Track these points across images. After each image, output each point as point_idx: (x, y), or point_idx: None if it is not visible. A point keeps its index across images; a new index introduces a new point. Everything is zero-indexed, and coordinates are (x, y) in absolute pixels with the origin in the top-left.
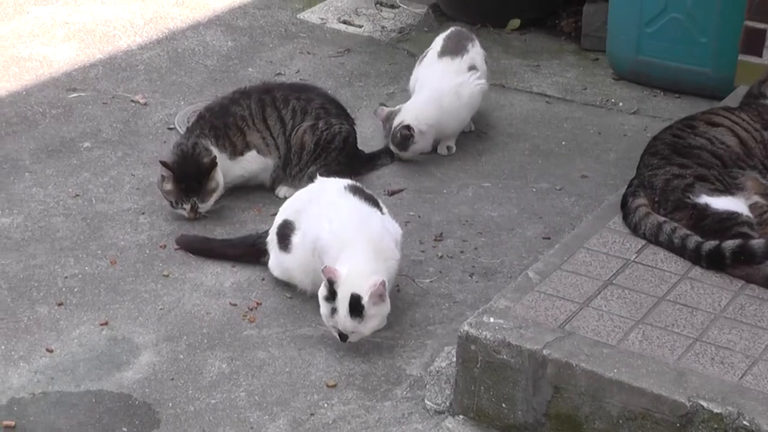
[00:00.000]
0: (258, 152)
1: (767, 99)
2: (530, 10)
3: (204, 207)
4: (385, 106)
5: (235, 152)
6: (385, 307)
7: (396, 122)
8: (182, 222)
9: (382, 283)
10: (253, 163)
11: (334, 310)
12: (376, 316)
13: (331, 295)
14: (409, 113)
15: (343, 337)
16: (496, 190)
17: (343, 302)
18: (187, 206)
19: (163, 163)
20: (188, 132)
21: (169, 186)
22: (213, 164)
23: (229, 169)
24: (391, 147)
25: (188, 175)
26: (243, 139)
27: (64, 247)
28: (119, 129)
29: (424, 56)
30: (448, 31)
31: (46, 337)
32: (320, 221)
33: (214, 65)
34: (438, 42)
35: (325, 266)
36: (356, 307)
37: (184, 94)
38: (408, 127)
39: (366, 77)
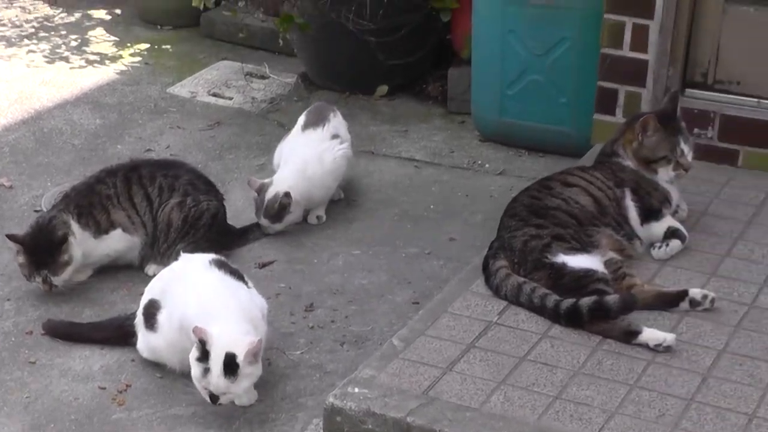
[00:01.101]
0: (124, 230)
1: (619, 157)
2: (398, 76)
3: (58, 281)
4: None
5: (100, 231)
6: (258, 368)
7: (270, 194)
8: (49, 306)
9: (259, 341)
10: (118, 241)
11: (206, 371)
12: (249, 375)
13: (204, 356)
14: (282, 183)
15: (214, 398)
16: (366, 257)
17: (217, 361)
18: (39, 279)
19: (9, 237)
20: (52, 209)
21: (21, 259)
22: (64, 237)
23: (94, 248)
24: (263, 221)
25: (39, 247)
26: (107, 217)
27: None
28: None
29: (288, 134)
30: (310, 107)
31: None
32: (186, 297)
33: (82, 144)
34: (301, 118)
35: (195, 326)
36: (231, 365)
37: (51, 175)
38: (288, 194)
39: (236, 149)
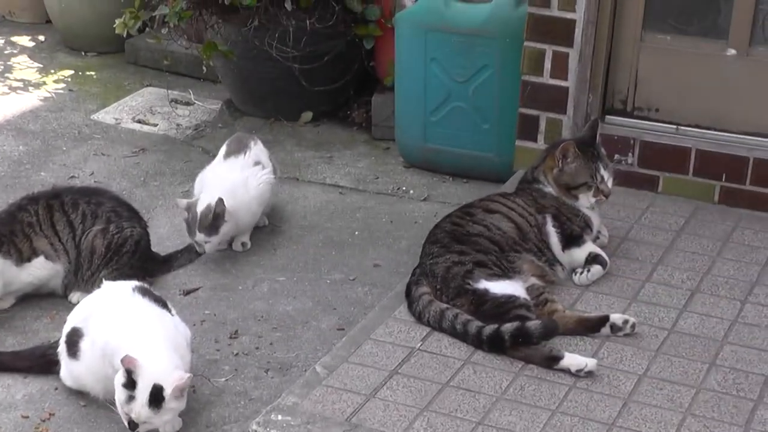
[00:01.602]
0: (46, 258)
1: (540, 183)
2: (322, 103)
3: None
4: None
5: (22, 259)
6: (183, 403)
7: (202, 206)
8: None
9: (189, 378)
10: (41, 269)
11: (131, 398)
12: (173, 409)
13: (130, 383)
14: (213, 198)
15: (133, 425)
16: (290, 284)
17: (143, 391)
18: None
19: None
20: None
21: None
22: None
23: (16, 276)
24: (198, 236)
25: None
26: (30, 245)
27: None
28: None
29: (209, 164)
30: (231, 137)
31: None
32: (108, 325)
33: (4, 171)
34: (222, 148)
35: (125, 356)
36: (157, 397)
37: None
38: (221, 201)
39: (161, 176)
